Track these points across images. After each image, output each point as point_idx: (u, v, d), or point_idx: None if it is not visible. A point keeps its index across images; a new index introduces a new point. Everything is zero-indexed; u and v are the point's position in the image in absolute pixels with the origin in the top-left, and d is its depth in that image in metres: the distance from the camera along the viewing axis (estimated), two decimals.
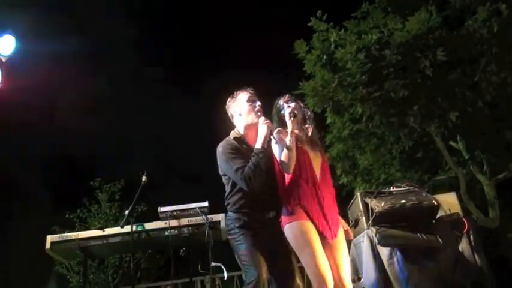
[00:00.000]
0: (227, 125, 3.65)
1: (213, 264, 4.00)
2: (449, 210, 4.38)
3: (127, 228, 4.39)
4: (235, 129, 3.57)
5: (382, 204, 4.17)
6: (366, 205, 4.36)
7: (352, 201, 4.70)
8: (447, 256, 3.95)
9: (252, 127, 3.47)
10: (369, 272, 4.13)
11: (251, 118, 3.47)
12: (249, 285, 3.13)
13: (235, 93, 3.60)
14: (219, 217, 4.31)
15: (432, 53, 8.41)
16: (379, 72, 8.45)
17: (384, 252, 4.15)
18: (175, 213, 4.39)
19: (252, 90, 3.58)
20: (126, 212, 4.47)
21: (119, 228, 4.49)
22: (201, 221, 4.27)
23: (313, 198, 3.22)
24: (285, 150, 3.21)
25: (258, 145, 3.29)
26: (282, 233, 3.23)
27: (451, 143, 9.96)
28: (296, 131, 3.35)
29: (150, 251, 13.71)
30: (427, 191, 4.54)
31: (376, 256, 4.09)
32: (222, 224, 4.27)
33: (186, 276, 5.36)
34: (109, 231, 4.72)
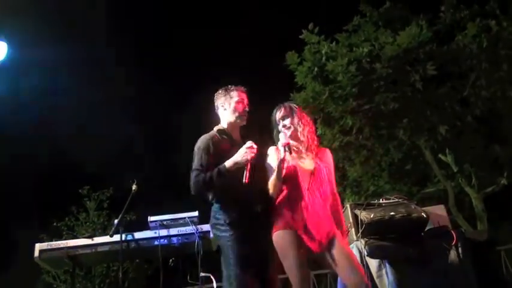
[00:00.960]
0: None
1: (202, 274, 3.99)
2: (438, 222, 4.40)
3: (116, 237, 4.36)
4: (219, 124, 3.56)
5: (372, 216, 4.18)
6: (355, 217, 4.37)
7: (342, 212, 4.72)
8: (435, 268, 3.97)
9: (235, 126, 3.51)
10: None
11: (234, 118, 3.48)
12: None
13: (229, 87, 3.57)
14: (209, 227, 4.29)
15: (422, 67, 8.52)
16: (369, 85, 8.53)
17: (373, 264, 4.17)
18: (165, 222, 4.36)
19: (244, 90, 3.57)
20: (116, 221, 4.44)
21: (108, 237, 4.45)
22: (191, 231, 4.24)
23: (298, 209, 3.19)
24: (272, 178, 3.22)
25: (228, 164, 3.24)
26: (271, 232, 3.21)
27: (440, 156, 10.04)
28: (288, 158, 3.25)
29: (137, 260, 13.62)
30: (416, 203, 4.56)
31: (365, 268, 4.09)
32: (212, 235, 4.25)
33: (175, 287, 5.33)
34: (98, 239, 4.67)
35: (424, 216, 4.21)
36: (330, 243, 3.18)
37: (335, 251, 3.14)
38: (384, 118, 8.88)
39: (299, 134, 3.39)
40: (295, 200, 3.21)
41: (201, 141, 3.39)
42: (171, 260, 4.42)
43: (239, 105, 3.48)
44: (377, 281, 4.06)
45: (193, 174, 3.23)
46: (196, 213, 4.34)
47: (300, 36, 9.06)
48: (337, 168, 10.27)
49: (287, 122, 3.40)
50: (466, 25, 9.04)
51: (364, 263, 4.12)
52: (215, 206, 3.34)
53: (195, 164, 3.29)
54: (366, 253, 4.14)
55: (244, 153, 3.22)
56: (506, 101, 8.89)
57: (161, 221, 4.36)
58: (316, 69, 8.85)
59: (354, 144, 9.31)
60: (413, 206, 4.32)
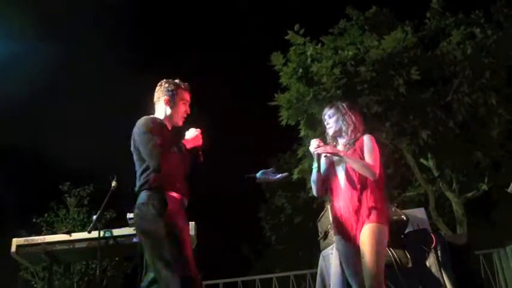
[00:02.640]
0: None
1: None
2: (418, 225, 4.44)
3: (94, 234, 4.32)
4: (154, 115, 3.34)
5: None
6: None
7: (322, 213, 4.73)
8: (415, 271, 3.98)
9: (170, 122, 3.32)
10: (336, 285, 4.14)
11: (174, 119, 3.31)
12: None
13: (177, 82, 3.37)
14: (189, 225, 4.26)
15: (406, 72, 8.58)
16: (353, 88, 8.56)
17: None
18: None
19: (189, 91, 3.41)
20: (94, 217, 4.40)
21: (86, 233, 4.40)
22: None
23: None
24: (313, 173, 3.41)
25: (188, 144, 3.18)
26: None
27: (421, 160, 10.12)
28: (329, 151, 3.37)
29: (117, 258, 13.52)
30: (396, 205, 4.59)
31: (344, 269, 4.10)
32: (191, 232, 4.22)
33: None
34: (76, 236, 4.64)
35: (405, 218, 4.24)
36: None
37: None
38: (366, 121, 8.91)
39: (343, 132, 3.47)
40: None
41: (147, 118, 3.18)
42: None
43: (184, 108, 3.35)
44: None
45: (156, 148, 2.97)
46: None
47: (286, 37, 9.07)
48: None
49: (332, 120, 3.51)
50: (451, 32, 9.14)
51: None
52: (145, 193, 3.05)
53: (153, 138, 3.01)
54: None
55: (196, 135, 3.24)
56: (488, 108, 9.00)
57: None
58: (300, 70, 8.85)
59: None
60: (393, 209, 4.35)
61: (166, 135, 3.13)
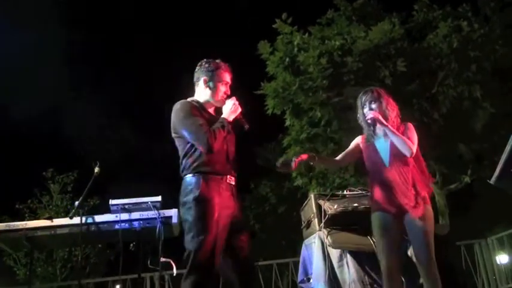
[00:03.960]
0: None
1: (162, 259, 3.94)
2: None
3: (76, 220, 4.27)
4: (193, 98, 3.31)
5: (335, 207, 4.21)
6: (319, 207, 4.38)
7: (305, 202, 4.73)
8: None
9: (209, 106, 3.28)
10: (318, 273, 4.16)
11: (213, 100, 3.25)
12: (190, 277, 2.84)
13: (218, 62, 3.28)
14: (172, 212, 4.23)
15: (393, 63, 8.61)
16: (339, 78, 8.57)
17: (334, 254, 4.19)
18: (126, 206, 4.26)
19: (231, 72, 3.34)
20: (77, 203, 4.35)
21: (68, 219, 4.35)
22: (153, 216, 4.17)
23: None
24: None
25: (226, 116, 3.14)
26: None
27: None
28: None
29: (100, 245, 13.49)
30: None
31: (326, 258, 4.12)
32: (174, 220, 4.20)
33: (135, 272, 5.26)
34: (58, 221, 4.56)
35: None
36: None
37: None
38: (352, 111, 8.93)
39: (388, 117, 3.55)
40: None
41: (183, 103, 3.17)
42: (131, 245, 4.33)
43: (224, 89, 3.27)
44: (337, 271, 4.09)
45: (201, 131, 2.97)
46: (159, 198, 4.26)
47: (273, 26, 9.04)
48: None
49: (375, 106, 3.58)
50: (438, 25, 9.16)
51: (326, 253, 4.15)
52: (185, 178, 3.08)
53: (193, 121, 3.02)
54: (327, 243, 4.17)
55: (233, 104, 3.18)
56: (473, 101, 9.06)
57: (123, 204, 4.26)
58: (287, 59, 8.85)
59: (321, 137, 9.35)
60: None
61: (205, 117, 3.11)
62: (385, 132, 3.52)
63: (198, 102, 3.23)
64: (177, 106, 3.15)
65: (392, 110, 3.60)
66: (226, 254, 3.03)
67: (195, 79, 3.31)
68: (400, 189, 3.41)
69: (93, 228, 4.37)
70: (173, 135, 3.18)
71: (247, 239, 3.16)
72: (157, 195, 4.34)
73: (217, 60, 3.30)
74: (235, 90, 3.47)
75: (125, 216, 4.25)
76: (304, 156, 3.45)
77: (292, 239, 16.04)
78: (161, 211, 4.20)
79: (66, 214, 13.40)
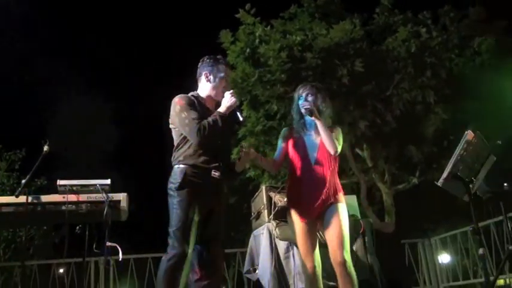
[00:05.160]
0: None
1: (108, 244, 3.89)
2: (348, 211, 4.53)
3: (22, 199, 4.16)
4: (195, 92, 3.53)
5: (285, 200, 4.25)
6: (269, 199, 4.43)
7: (257, 194, 4.77)
8: None
9: (210, 100, 3.48)
10: (264, 264, 4.20)
11: (214, 93, 3.45)
12: (168, 262, 3.11)
13: (219, 58, 3.55)
14: (120, 196, 4.17)
15: (351, 63, 8.72)
16: (298, 73, 8.62)
17: (281, 246, 4.25)
18: (74, 187, 4.17)
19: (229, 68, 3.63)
20: (23, 181, 4.24)
21: (13, 197, 4.23)
22: (101, 199, 4.10)
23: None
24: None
25: (222, 109, 3.30)
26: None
27: (357, 150, 10.36)
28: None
29: (45, 227, 13.16)
30: None
31: (273, 249, 4.17)
32: (123, 204, 4.14)
33: (80, 256, 5.17)
34: (2, 199, 4.43)
35: None
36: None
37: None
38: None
39: (321, 114, 3.56)
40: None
41: (180, 97, 3.37)
42: (77, 227, 4.25)
43: (224, 83, 3.47)
44: (284, 262, 4.15)
45: (193, 122, 3.18)
46: (108, 181, 4.20)
47: (236, 15, 9.01)
48: (257, 151, 10.34)
49: (311, 99, 3.59)
50: (398, 29, 9.35)
51: (273, 245, 4.20)
52: (174, 168, 3.32)
53: (187, 115, 3.23)
54: (275, 235, 4.21)
55: (230, 97, 3.31)
56: (426, 106, 9.29)
57: (71, 185, 4.18)
58: (248, 50, 8.83)
59: (276, 130, 9.34)
60: None
61: (201, 110, 3.31)
62: (317, 129, 3.52)
63: (198, 96, 3.46)
64: (175, 99, 3.37)
65: (327, 108, 3.64)
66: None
67: (197, 75, 3.56)
68: (319, 188, 3.46)
69: (39, 208, 4.25)
70: (170, 126, 3.43)
71: (218, 247, 3.37)
72: (106, 178, 4.28)
73: (218, 56, 3.56)
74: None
75: (72, 197, 4.16)
76: (252, 152, 3.47)
77: (241, 230, 16.07)
78: (110, 194, 4.13)
79: (12, 193, 13.00)
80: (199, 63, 3.55)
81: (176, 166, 3.30)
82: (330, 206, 3.44)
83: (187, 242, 3.11)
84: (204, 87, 3.49)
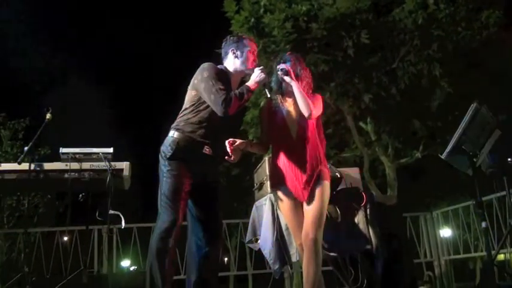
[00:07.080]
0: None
1: (111, 212, 3.91)
2: (351, 184, 4.53)
3: (25, 166, 4.16)
4: (222, 65, 3.50)
5: None
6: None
7: (260, 164, 4.75)
8: (343, 226, 4.10)
9: (238, 76, 3.51)
10: (266, 235, 4.21)
11: (244, 68, 3.45)
12: (159, 229, 3.12)
13: (241, 35, 3.61)
14: (123, 165, 4.17)
15: (356, 34, 8.61)
16: (303, 44, 8.53)
17: (283, 217, 4.25)
18: (77, 155, 4.17)
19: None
20: (26, 148, 4.24)
21: (16, 164, 4.23)
22: (104, 167, 4.11)
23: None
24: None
25: (251, 83, 3.30)
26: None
27: (360, 123, 10.32)
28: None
29: (49, 196, 13.25)
30: (331, 163, 4.66)
31: (275, 220, 4.17)
32: (125, 172, 4.15)
33: (83, 224, 5.21)
34: (5, 166, 4.44)
35: (338, 176, 4.33)
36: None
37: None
38: (312, 79, 8.94)
39: (299, 79, 3.45)
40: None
41: (211, 64, 3.34)
42: (80, 195, 4.26)
43: (251, 56, 3.47)
44: (285, 233, 4.16)
45: (220, 93, 3.14)
46: (111, 150, 4.20)
47: None
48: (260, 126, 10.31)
49: (289, 64, 3.48)
50: (405, 0, 9.19)
51: (275, 216, 4.20)
52: (171, 133, 3.31)
53: (214, 84, 3.19)
54: (277, 206, 4.21)
55: (260, 72, 3.32)
56: (431, 79, 9.20)
57: (73, 153, 4.17)
58: (252, 20, 8.69)
59: None
60: (328, 166, 4.42)
61: (226, 83, 3.28)
62: (296, 100, 3.39)
63: (226, 70, 3.43)
64: (204, 65, 3.32)
65: (305, 77, 3.53)
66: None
67: (223, 54, 3.53)
68: (301, 164, 3.39)
69: (41, 176, 4.26)
70: (189, 87, 3.38)
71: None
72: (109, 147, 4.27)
73: (240, 34, 3.67)
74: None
75: (75, 165, 4.17)
76: (239, 143, 3.36)
77: (243, 201, 16.18)
78: (113, 163, 4.14)
79: (15, 161, 13.05)
80: (223, 43, 3.53)
81: (172, 132, 3.29)
82: (313, 183, 3.37)
83: (177, 209, 3.13)
84: (231, 63, 3.46)
